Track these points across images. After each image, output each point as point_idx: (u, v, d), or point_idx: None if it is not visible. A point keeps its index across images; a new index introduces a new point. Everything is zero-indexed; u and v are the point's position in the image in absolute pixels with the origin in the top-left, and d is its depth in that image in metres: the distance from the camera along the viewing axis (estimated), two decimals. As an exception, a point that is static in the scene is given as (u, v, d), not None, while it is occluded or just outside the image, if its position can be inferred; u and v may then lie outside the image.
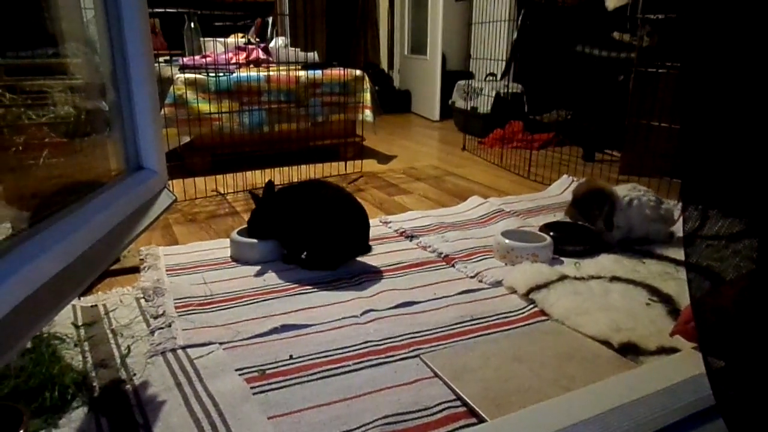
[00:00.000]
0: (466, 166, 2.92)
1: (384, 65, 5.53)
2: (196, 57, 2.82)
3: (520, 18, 3.90)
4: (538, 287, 1.37)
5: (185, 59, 2.77)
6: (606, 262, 1.56)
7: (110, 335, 1.18)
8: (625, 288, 1.40)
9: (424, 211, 2.08)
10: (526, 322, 1.27)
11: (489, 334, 1.21)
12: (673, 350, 1.09)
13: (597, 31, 3.09)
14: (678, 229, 1.77)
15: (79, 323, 1.22)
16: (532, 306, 1.34)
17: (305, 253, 1.54)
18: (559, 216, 2.03)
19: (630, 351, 1.11)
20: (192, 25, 3.38)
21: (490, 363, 1.09)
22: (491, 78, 3.92)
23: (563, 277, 1.43)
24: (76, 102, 1.78)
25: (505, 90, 3.62)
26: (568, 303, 1.30)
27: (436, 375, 1.05)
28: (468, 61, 4.85)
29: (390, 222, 1.93)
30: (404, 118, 4.73)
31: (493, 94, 3.60)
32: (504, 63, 3.94)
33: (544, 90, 3.71)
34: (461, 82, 3.96)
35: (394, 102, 4.95)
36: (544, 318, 1.29)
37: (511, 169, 2.80)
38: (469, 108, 3.79)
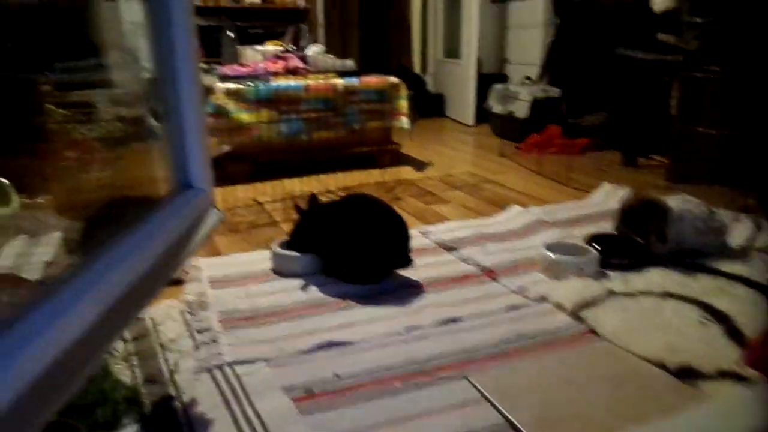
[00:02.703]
0: (504, 172, 2.88)
1: (417, 69, 5.51)
2: (235, 66, 2.85)
3: (555, 19, 3.83)
4: (586, 304, 1.34)
5: (224, 68, 2.81)
6: (655, 277, 1.51)
7: (158, 349, 1.20)
8: (677, 305, 1.35)
9: (463, 221, 2.05)
10: (576, 342, 1.23)
11: (537, 353, 1.18)
12: (734, 375, 1.04)
13: (640, 33, 3.00)
14: (730, 240, 1.71)
15: (128, 337, 1.24)
16: (580, 324, 1.30)
17: (347, 266, 1.54)
18: (603, 226, 1.98)
19: (687, 375, 1.07)
20: (229, 33, 3.43)
21: (540, 385, 1.06)
22: (528, 82, 3.86)
23: (612, 293, 1.39)
24: (123, 116, 1.83)
25: (543, 94, 3.56)
26: (618, 321, 1.26)
27: (485, 397, 1.03)
28: (502, 64, 4.80)
29: (429, 233, 1.91)
30: (438, 123, 4.70)
31: (530, 99, 3.54)
32: (540, 67, 3.88)
33: (582, 93, 3.63)
34: (497, 86, 3.91)
35: (428, 106, 4.92)
36: (593, 337, 1.25)
37: (550, 175, 2.75)
38: (505, 112, 3.74)
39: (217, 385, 1.07)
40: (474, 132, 4.25)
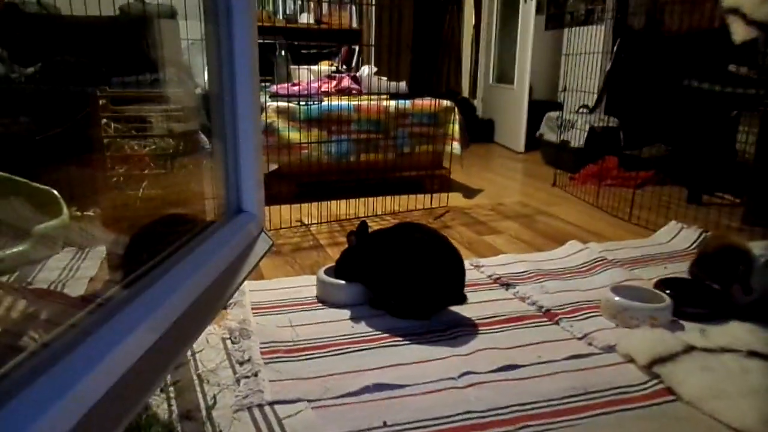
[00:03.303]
0: (558, 204, 2.75)
1: (466, 93, 5.45)
2: (287, 84, 2.84)
3: (615, 48, 3.70)
4: (661, 359, 1.20)
5: (276, 87, 2.80)
6: (738, 331, 1.36)
7: (196, 381, 1.13)
8: (766, 367, 1.20)
9: (518, 254, 1.94)
10: (651, 402, 1.10)
11: (608, 413, 1.06)
12: None
13: (708, 64, 2.85)
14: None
15: (166, 364, 1.18)
16: (655, 381, 1.17)
17: (396, 299, 1.44)
18: (671, 269, 1.83)
19: (789, 454, 0.93)
20: (282, 53, 3.44)
21: (615, 454, 0.94)
22: (584, 110, 3.72)
23: (690, 348, 1.25)
24: (175, 131, 1.81)
25: (600, 123, 3.42)
26: (700, 382, 1.12)
27: (552, 463, 0.91)
28: (554, 91, 4.67)
29: (482, 266, 1.80)
30: (487, 148, 4.60)
31: (587, 128, 3.41)
32: (597, 95, 3.75)
33: (642, 124, 3.47)
34: (552, 114, 3.79)
35: (477, 131, 4.82)
36: (671, 398, 1.11)
37: (608, 209, 2.60)
38: (559, 141, 3.61)
39: (257, 426, 0.99)
40: (524, 159, 4.13)
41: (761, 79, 2.58)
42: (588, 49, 3.59)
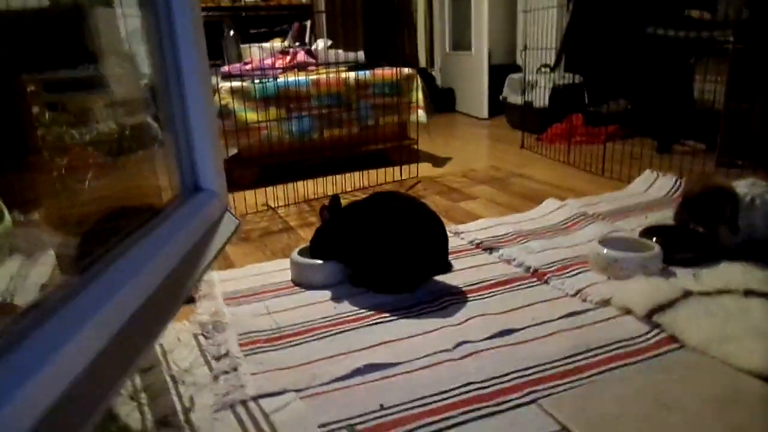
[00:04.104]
0: (529, 165, 2.70)
1: (423, 64, 5.34)
2: (238, 64, 2.68)
3: (571, 2, 3.65)
4: (660, 307, 1.16)
5: (227, 67, 2.64)
6: (730, 273, 1.33)
7: (170, 382, 1.02)
8: (766, 305, 1.17)
9: (497, 218, 1.87)
10: (656, 352, 1.05)
11: (615, 368, 1.00)
12: None
13: (666, 10, 2.81)
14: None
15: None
16: (657, 331, 1.12)
17: (379, 273, 1.36)
18: (652, 217, 1.80)
19: (807, 391, 0.89)
20: (231, 32, 3.27)
21: (631, 410, 0.88)
22: (545, 69, 3.67)
23: (687, 294, 1.21)
24: (120, 118, 1.66)
25: (562, 81, 3.37)
26: (704, 326, 1.08)
27: (565, 429, 0.85)
28: (513, 54, 4.61)
29: (462, 232, 1.73)
30: (450, 118, 4.52)
31: (550, 87, 3.36)
32: (556, 52, 3.69)
33: (602, 79, 3.44)
34: (514, 76, 3.73)
35: (438, 101, 4.73)
36: (676, 346, 1.07)
37: (580, 166, 2.56)
38: (523, 103, 3.55)
39: (242, 425, 0.89)
40: (488, 125, 4.07)
41: (717, 21, 2.56)
42: (543, 4, 3.53)
